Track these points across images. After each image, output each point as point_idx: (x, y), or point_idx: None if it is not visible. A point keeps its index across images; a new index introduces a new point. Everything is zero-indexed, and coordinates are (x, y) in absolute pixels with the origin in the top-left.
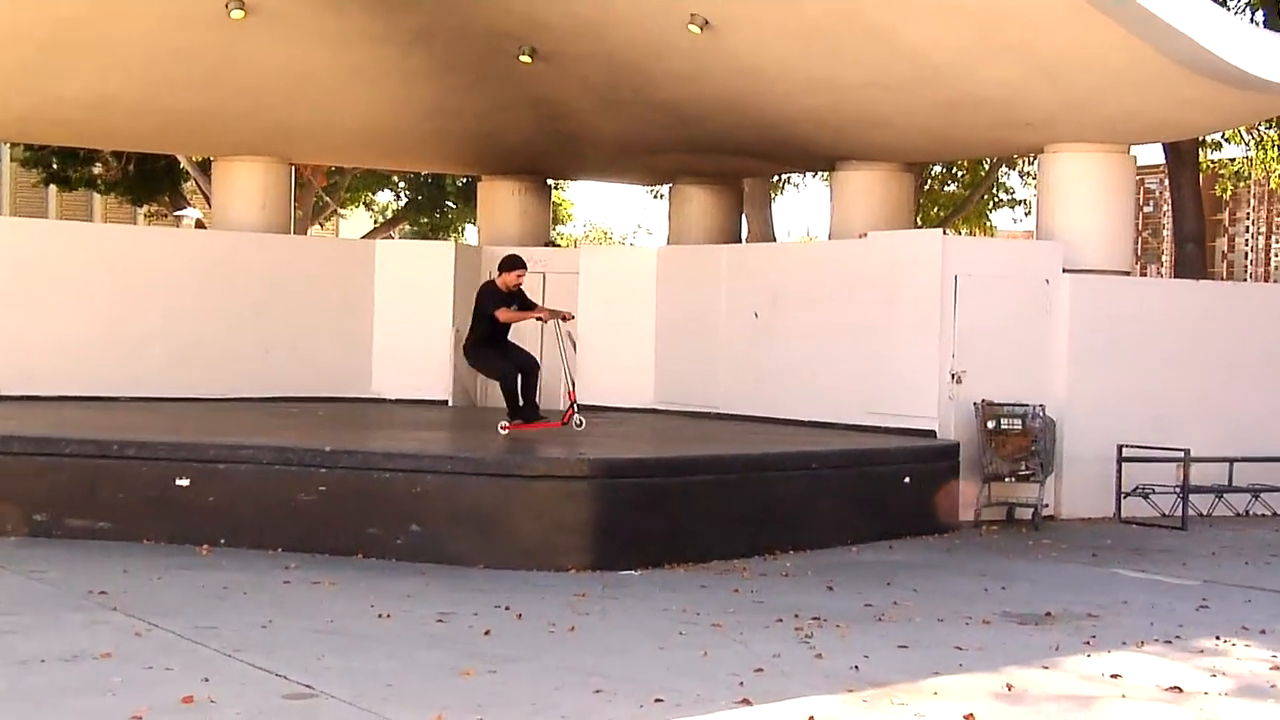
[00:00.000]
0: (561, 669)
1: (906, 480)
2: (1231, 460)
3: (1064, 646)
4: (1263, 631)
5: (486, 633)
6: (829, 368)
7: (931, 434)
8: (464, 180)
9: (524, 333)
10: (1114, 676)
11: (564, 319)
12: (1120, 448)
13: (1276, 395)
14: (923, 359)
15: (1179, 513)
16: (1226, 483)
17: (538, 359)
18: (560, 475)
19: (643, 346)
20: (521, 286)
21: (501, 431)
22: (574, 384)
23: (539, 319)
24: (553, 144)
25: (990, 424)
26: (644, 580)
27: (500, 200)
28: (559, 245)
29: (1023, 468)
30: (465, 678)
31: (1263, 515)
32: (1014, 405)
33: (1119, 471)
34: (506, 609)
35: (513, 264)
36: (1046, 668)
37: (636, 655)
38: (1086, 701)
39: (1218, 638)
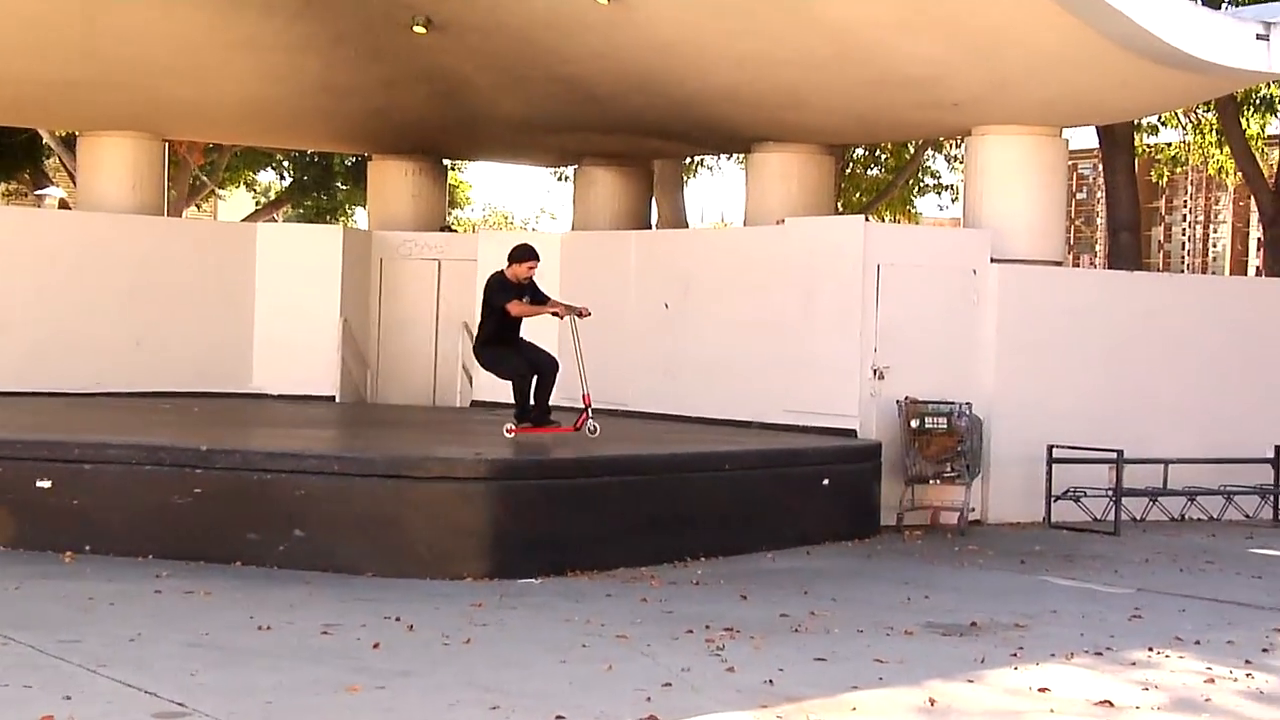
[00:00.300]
0: (456, 684)
1: (825, 482)
2: (1166, 462)
3: (990, 659)
4: (1197, 642)
5: (375, 646)
6: (744, 362)
7: (852, 433)
8: (353, 160)
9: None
10: (1042, 690)
11: (580, 314)
12: (1050, 448)
13: (1214, 393)
14: (843, 354)
15: (1111, 517)
16: (1161, 485)
17: (557, 359)
18: (456, 476)
19: (545, 340)
20: (534, 278)
21: (507, 434)
22: (587, 386)
23: (554, 314)
24: (449, 121)
25: (914, 423)
26: (545, 589)
27: (392, 181)
28: (455, 230)
29: (948, 469)
30: (351, 694)
31: (1198, 519)
32: (939, 403)
33: (1049, 473)
34: (397, 620)
35: (524, 254)
36: (971, 681)
37: (536, 669)
38: (1013, 717)
39: (1150, 649)
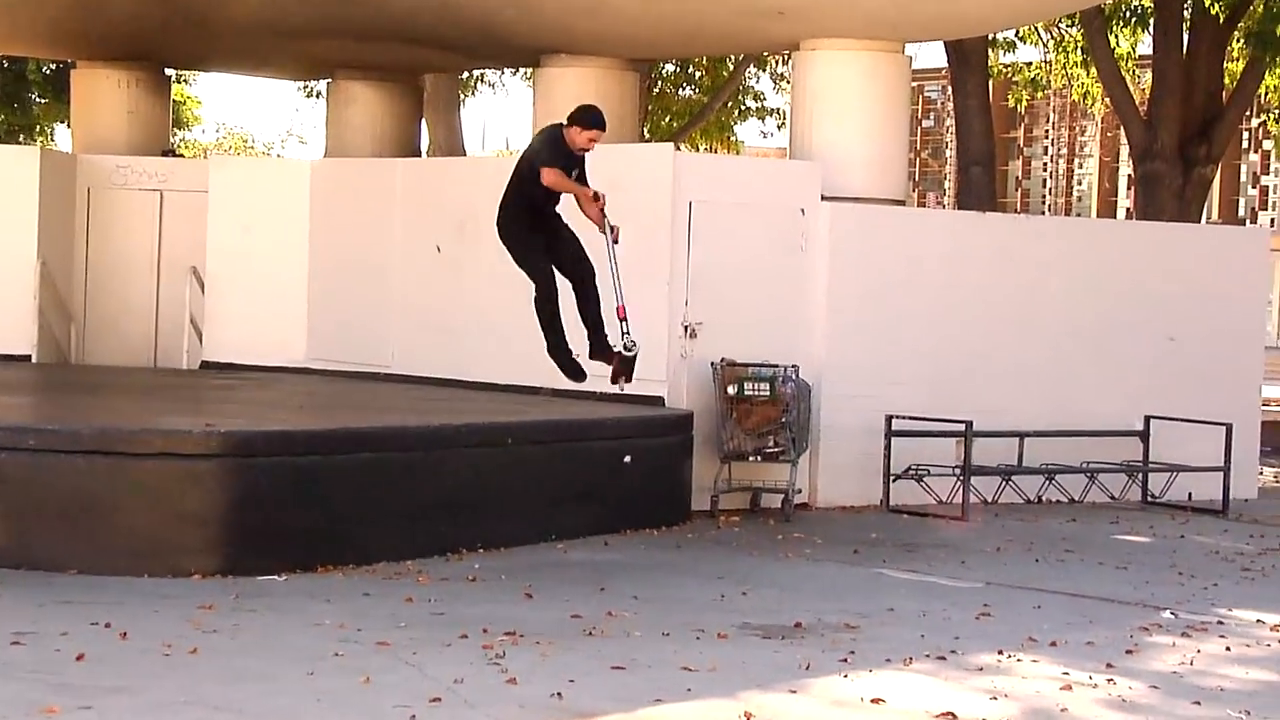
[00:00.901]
0: (178, 702)
1: (627, 460)
2: (1021, 435)
3: (816, 665)
4: (1053, 644)
5: (80, 657)
6: (531, 317)
7: (659, 401)
8: (53, 67)
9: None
10: (875, 701)
11: (614, 234)
12: (889, 419)
13: (1078, 354)
14: (648, 308)
15: (959, 499)
16: (1016, 462)
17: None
18: (182, 453)
19: (292, 288)
20: (587, 156)
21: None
22: (623, 295)
23: (589, 216)
24: (173, 21)
25: (731, 389)
26: (290, 587)
27: (102, 94)
28: (181, 155)
29: (771, 444)
30: (49, 716)
31: (1057, 501)
32: (761, 366)
33: (887, 449)
34: (107, 626)
35: (592, 119)
36: (794, 691)
37: (279, 684)
38: None
39: (1000, 652)
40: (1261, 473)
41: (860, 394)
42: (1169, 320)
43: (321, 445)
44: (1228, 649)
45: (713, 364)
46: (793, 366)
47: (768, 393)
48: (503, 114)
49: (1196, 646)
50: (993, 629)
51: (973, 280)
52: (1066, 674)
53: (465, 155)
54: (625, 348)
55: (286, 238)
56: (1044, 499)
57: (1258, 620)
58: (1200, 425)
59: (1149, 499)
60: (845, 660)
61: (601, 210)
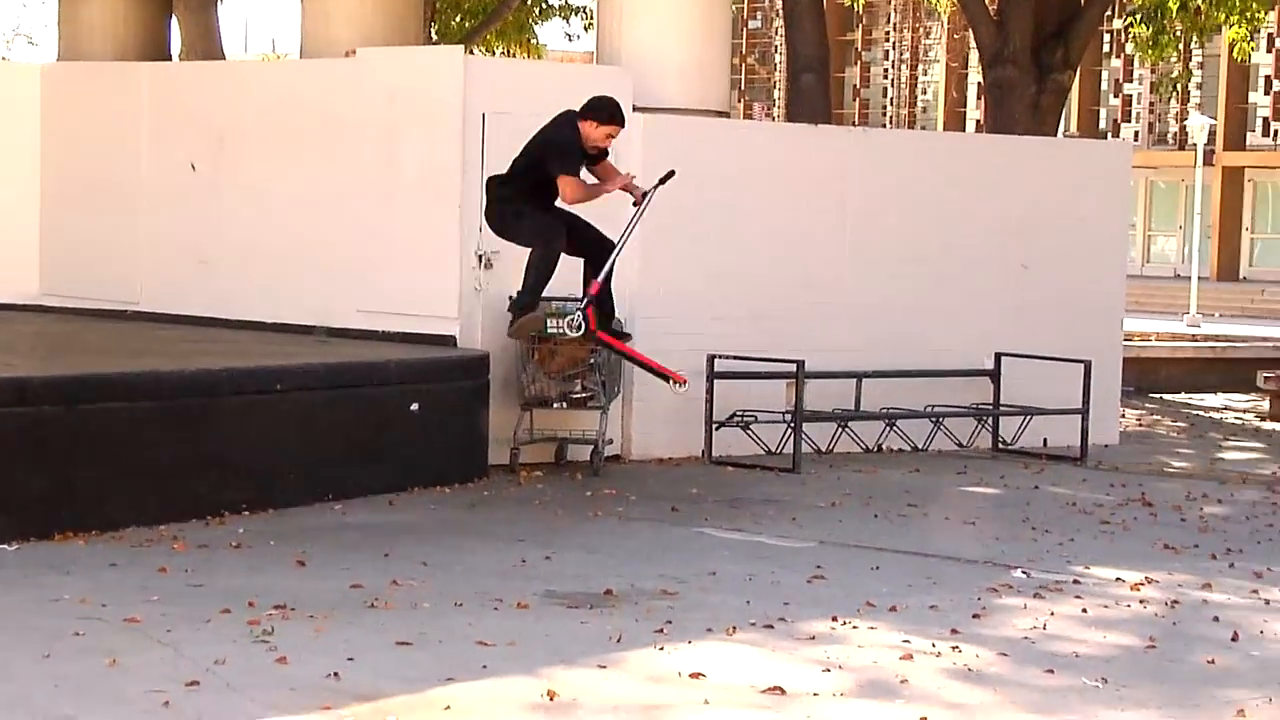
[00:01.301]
0: None
1: (414, 408)
2: (859, 375)
3: (629, 637)
4: (893, 609)
5: None
6: (301, 245)
7: (450, 341)
8: None
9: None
10: (695, 676)
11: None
12: (711, 359)
13: (921, 284)
14: (438, 234)
15: (790, 449)
16: (853, 407)
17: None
18: None
19: (20, 213)
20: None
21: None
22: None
23: (625, 190)
24: None
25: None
26: (22, 558)
27: None
28: None
29: (578, 389)
30: None
31: (899, 450)
32: (565, 300)
33: (710, 393)
34: None
35: (612, 113)
36: (604, 666)
37: (9, 669)
38: (656, 712)
39: (834, 619)
40: (1124, 415)
41: (678, 331)
42: (1022, 246)
43: (57, 395)
44: (1084, 611)
45: (511, 299)
46: None
47: (574, 330)
48: (267, 12)
49: (1050, 609)
50: (826, 593)
51: (805, 202)
52: (907, 642)
53: (223, 59)
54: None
55: (12, 154)
56: (884, 447)
57: (1117, 579)
58: (1056, 363)
59: (1000, 446)
60: (661, 631)
61: (631, 184)
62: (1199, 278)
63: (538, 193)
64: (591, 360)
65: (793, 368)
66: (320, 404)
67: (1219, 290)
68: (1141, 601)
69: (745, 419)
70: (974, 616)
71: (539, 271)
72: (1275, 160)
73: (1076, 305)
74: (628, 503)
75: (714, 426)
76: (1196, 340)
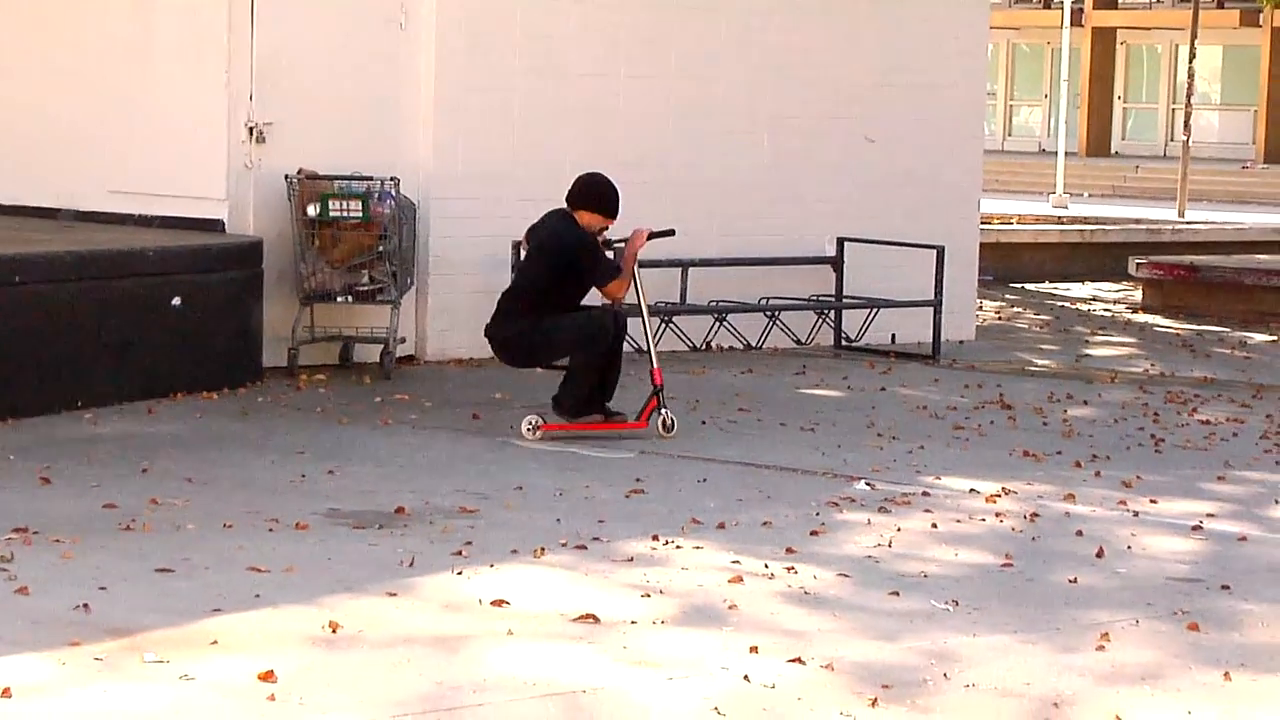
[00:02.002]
0: None
1: (176, 302)
2: (685, 264)
3: (424, 560)
4: (721, 526)
5: None
6: (44, 118)
7: (217, 226)
8: None
9: None
10: (497, 604)
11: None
12: (517, 247)
13: (758, 162)
14: (201, 104)
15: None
16: (678, 299)
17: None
18: None
19: None
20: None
21: (533, 434)
22: (655, 358)
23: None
24: None
25: (312, 209)
26: None
27: None
28: None
29: (365, 280)
30: None
31: (730, 348)
32: (350, 179)
33: None
34: None
35: (612, 203)
36: (394, 594)
37: None
38: (453, 643)
39: (656, 538)
40: (981, 307)
41: (481, 214)
42: (867, 117)
43: None
44: (934, 526)
45: (287, 177)
46: (392, 179)
47: (359, 213)
48: None
49: (896, 524)
50: (647, 509)
51: (624, 69)
52: (737, 563)
53: None
54: (662, 425)
55: None
56: (714, 345)
57: (971, 490)
58: (906, 250)
59: (843, 343)
60: (460, 553)
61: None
62: (1066, 153)
63: (563, 301)
64: (380, 248)
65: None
66: (67, 298)
67: (1088, 167)
68: (998, 515)
69: None
70: (812, 534)
71: (586, 378)
72: (1151, 20)
73: (929, 184)
74: (423, 409)
75: None
76: (1063, 223)
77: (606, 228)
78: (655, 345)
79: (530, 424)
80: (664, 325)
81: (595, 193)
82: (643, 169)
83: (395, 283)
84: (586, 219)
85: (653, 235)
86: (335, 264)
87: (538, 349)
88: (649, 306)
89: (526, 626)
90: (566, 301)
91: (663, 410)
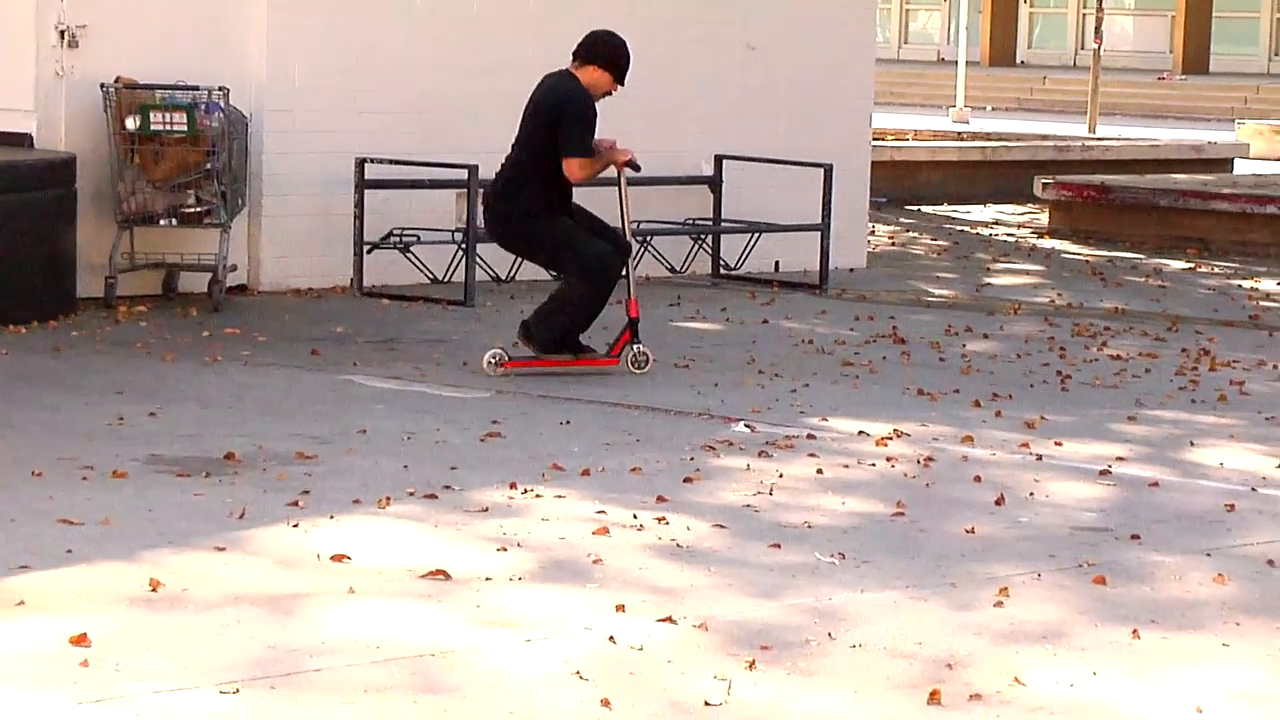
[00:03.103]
0: None
1: None
2: None
3: (256, 511)
4: (585, 472)
5: None
6: None
7: (25, 141)
8: None
9: None
10: (338, 559)
11: (635, 167)
12: (361, 164)
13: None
14: (5, 1)
15: (461, 276)
16: None
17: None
18: None
19: None
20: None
21: (494, 370)
22: (633, 288)
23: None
24: None
25: (132, 123)
26: None
27: None
28: None
29: (191, 201)
30: None
31: None
32: (174, 89)
33: (359, 206)
34: None
35: (623, 60)
36: (223, 549)
37: None
38: (288, 603)
39: (514, 486)
40: (873, 232)
41: (319, 128)
42: (747, 21)
43: None
44: (819, 472)
45: (103, 86)
46: (220, 89)
47: (184, 127)
48: None
49: (778, 470)
50: (504, 454)
51: None
52: (603, 513)
53: None
54: (633, 361)
55: None
56: None
57: (860, 432)
58: (790, 168)
59: (722, 271)
60: (297, 504)
61: (620, 156)
62: (967, 62)
63: (555, 188)
64: (208, 166)
65: (464, 174)
66: None
67: (991, 78)
68: (889, 459)
69: (405, 239)
70: (685, 481)
71: (578, 314)
72: None
73: (816, 97)
74: (256, 344)
75: (365, 249)
76: (963, 139)
77: (610, 93)
78: (632, 274)
79: (492, 359)
80: None
81: (607, 49)
82: (499, 77)
83: (225, 204)
84: (591, 76)
85: (631, 163)
86: (157, 183)
87: (536, 250)
88: (633, 229)
89: (370, 584)
90: (553, 182)
91: (635, 345)
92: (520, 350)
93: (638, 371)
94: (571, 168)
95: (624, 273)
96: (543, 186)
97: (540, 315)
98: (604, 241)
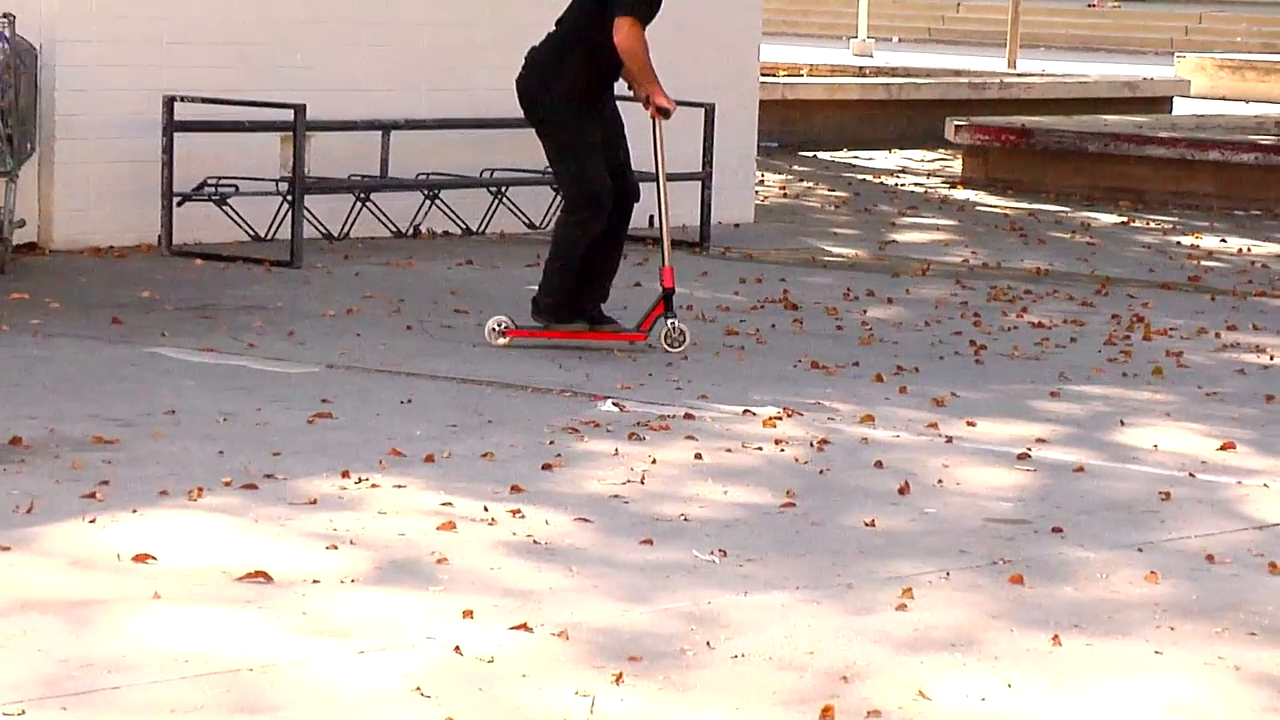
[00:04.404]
0: None
1: None
2: (386, 127)
3: (46, 505)
4: (429, 459)
5: None
6: None
7: None
8: None
9: None
10: (142, 559)
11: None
12: (170, 103)
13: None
14: None
15: (287, 234)
16: (378, 172)
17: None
18: None
19: None
20: None
21: (496, 339)
22: (668, 254)
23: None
24: None
25: None
26: None
27: None
28: None
29: None
30: None
31: (446, 234)
32: None
33: (168, 152)
34: None
35: None
36: (8, 548)
37: None
38: (84, 611)
39: (347, 475)
40: (762, 181)
41: (121, 62)
42: None
43: None
44: (698, 457)
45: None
46: (5, 16)
47: None
48: None
49: (651, 454)
50: (335, 438)
51: None
52: (449, 505)
53: None
54: (667, 337)
55: None
56: (424, 229)
57: (745, 411)
58: None
59: None
60: (94, 496)
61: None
62: None
63: (594, 69)
64: None
65: (289, 115)
66: None
67: (898, 5)
68: (778, 442)
69: (221, 190)
70: (544, 468)
71: (568, 255)
72: None
73: (695, 26)
74: (47, 312)
75: (175, 201)
76: (865, 75)
77: None
78: (666, 235)
79: (496, 325)
80: (361, 205)
81: None
82: (330, 5)
83: (11, 149)
84: None
85: (664, 110)
86: None
87: (545, 140)
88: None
89: (179, 588)
90: (597, 61)
91: (669, 319)
92: (528, 321)
93: (673, 350)
94: (622, 28)
95: (623, 224)
96: (581, 67)
97: (541, 281)
98: (593, 172)
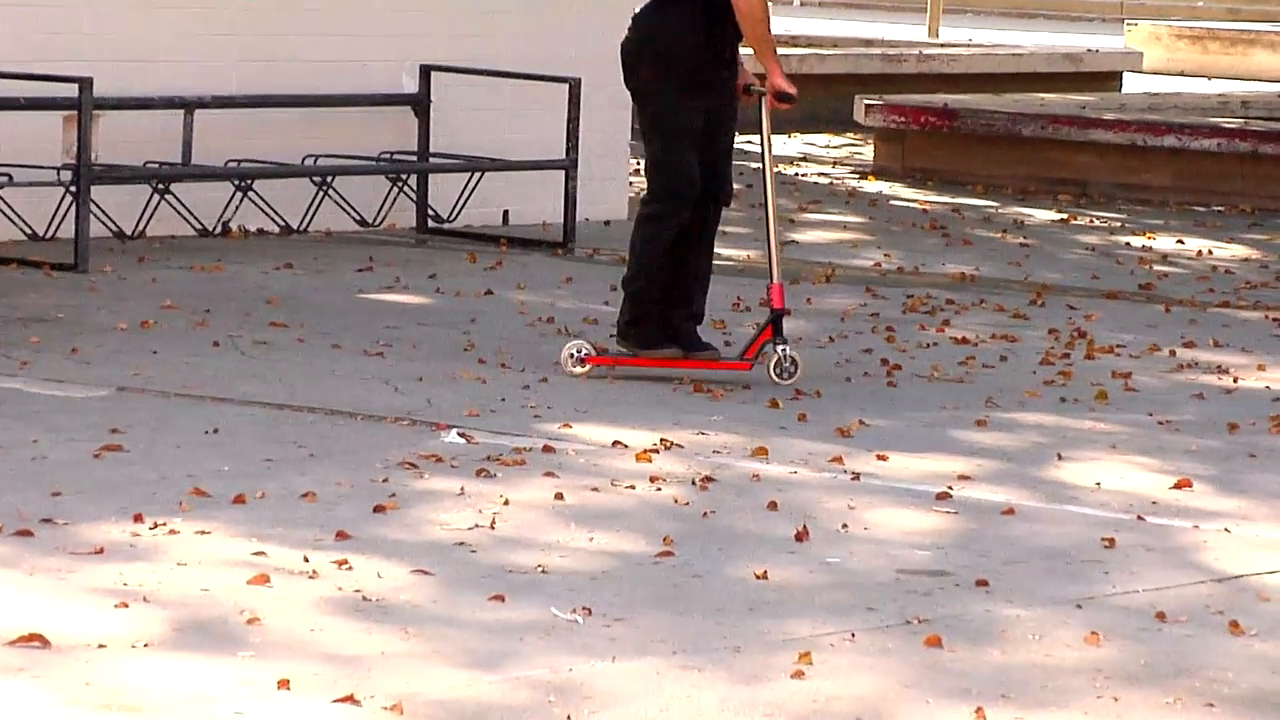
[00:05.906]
0: None
1: None
2: (190, 105)
3: None
4: (240, 499)
5: None
6: None
7: None
8: None
9: None
10: None
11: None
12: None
13: None
14: None
15: (70, 231)
16: (181, 159)
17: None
18: None
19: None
20: None
21: (574, 367)
22: (777, 268)
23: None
24: None
25: None
26: None
27: None
28: None
29: None
30: None
31: (262, 231)
32: None
33: None
34: None
35: None
36: None
37: None
38: None
39: (139, 519)
40: (637, 172)
41: None
42: None
43: None
44: (559, 497)
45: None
46: None
47: None
48: None
49: (503, 494)
50: (127, 475)
51: None
52: (262, 554)
53: None
54: (776, 368)
55: None
56: (234, 227)
57: (615, 442)
58: (524, 83)
59: (430, 223)
60: None
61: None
62: None
63: (708, 45)
64: None
65: (73, 90)
66: None
67: None
68: (653, 480)
69: None
70: (376, 510)
71: (649, 257)
72: None
73: None
74: None
75: None
76: None
77: None
78: (774, 251)
79: (575, 352)
80: (160, 196)
81: None
82: None
83: None
84: None
85: (783, 94)
86: None
87: (641, 115)
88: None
89: None
90: (717, 35)
91: (779, 346)
92: (616, 348)
93: (782, 382)
94: (749, 20)
95: (708, 227)
96: (687, 31)
97: (622, 300)
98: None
